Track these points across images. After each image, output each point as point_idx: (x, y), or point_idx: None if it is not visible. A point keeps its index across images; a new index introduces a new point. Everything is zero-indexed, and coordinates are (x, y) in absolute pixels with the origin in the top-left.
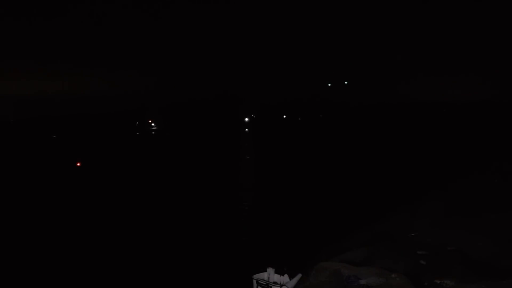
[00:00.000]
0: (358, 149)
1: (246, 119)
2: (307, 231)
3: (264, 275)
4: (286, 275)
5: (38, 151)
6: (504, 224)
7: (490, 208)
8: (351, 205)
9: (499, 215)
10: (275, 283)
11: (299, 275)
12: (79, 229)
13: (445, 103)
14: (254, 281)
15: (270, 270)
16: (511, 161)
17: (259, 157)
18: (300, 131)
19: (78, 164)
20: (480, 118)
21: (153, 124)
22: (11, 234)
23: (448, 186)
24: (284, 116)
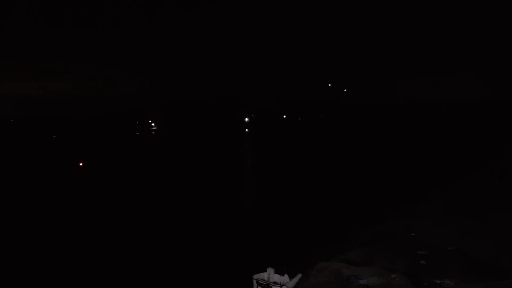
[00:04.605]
0: (358, 150)
1: (246, 119)
2: (307, 231)
3: (264, 275)
4: (286, 275)
5: (38, 151)
6: (504, 224)
7: (490, 208)
8: (352, 205)
9: (499, 215)
10: (275, 283)
11: (299, 275)
12: (80, 229)
13: (444, 103)
14: (254, 281)
15: (270, 270)
16: (510, 161)
17: (259, 158)
18: (300, 131)
19: (81, 164)
20: (480, 117)
21: (153, 124)
22: (12, 234)
23: (448, 186)
24: (284, 116)
